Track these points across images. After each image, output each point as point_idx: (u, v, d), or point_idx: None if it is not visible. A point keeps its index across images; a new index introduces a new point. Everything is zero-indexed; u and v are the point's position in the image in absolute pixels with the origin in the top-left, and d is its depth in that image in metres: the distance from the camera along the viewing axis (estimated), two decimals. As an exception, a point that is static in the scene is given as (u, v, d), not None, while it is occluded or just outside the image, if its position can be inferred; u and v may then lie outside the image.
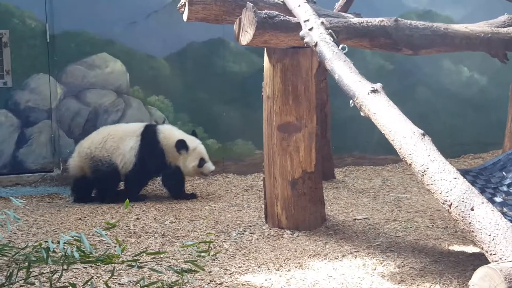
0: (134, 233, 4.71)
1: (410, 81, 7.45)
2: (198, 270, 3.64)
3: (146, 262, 3.87)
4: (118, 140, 5.87)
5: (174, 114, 6.73)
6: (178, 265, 3.91)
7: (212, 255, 4.09)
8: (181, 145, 5.80)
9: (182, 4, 4.38)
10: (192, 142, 5.88)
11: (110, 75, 6.52)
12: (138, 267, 3.31)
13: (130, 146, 5.83)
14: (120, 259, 3.46)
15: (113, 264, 3.41)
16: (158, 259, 4.03)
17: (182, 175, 5.94)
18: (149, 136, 5.88)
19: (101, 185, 5.93)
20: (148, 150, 5.83)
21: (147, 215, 5.29)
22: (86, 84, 6.47)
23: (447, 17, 7.22)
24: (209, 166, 5.94)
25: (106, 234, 3.26)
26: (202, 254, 3.96)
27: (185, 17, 4.41)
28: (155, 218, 5.17)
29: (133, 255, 3.86)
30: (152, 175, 6.07)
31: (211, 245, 4.19)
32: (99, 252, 3.71)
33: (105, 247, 4.18)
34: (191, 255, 4.12)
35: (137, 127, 5.98)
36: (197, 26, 5.01)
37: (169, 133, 5.92)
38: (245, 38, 4.14)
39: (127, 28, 6.50)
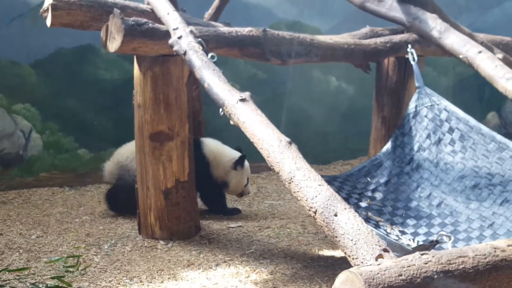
0: (-4, 250, 4.44)
1: (283, 89, 7.60)
2: (65, 286, 3.52)
3: (8, 280, 3.67)
4: None
5: (42, 123, 6.38)
6: (44, 281, 3.74)
7: (81, 270, 3.95)
8: (241, 162, 5.53)
9: (45, 8, 4.17)
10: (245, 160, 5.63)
11: (-32, 82, 6.09)
12: (-2, 286, 3.13)
13: None
14: (-22, 279, 3.25)
15: (-31, 285, 3.20)
16: (22, 277, 3.82)
17: (222, 190, 5.61)
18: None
19: (122, 195, 5.44)
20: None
21: (12, 229, 4.98)
22: None
23: (315, 28, 7.44)
24: (249, 187, 5.73)
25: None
26: (70, 269, 3.83)
27: (48, 22, 4.20)
28: (20, 233, 4.88)
29: (-7, 274, 3.64)
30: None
31: (80, 259, 4.05)
32: (-46, 273, 3.46)
33: (-38, 267, 3.91)
34: (58, 270, 3.95)
35: None
36: (66, 31, 4.79)
37: (216, 146, 5.61)
38: (113, 45, 4.04)
39: (-13, 32, 6.11)
